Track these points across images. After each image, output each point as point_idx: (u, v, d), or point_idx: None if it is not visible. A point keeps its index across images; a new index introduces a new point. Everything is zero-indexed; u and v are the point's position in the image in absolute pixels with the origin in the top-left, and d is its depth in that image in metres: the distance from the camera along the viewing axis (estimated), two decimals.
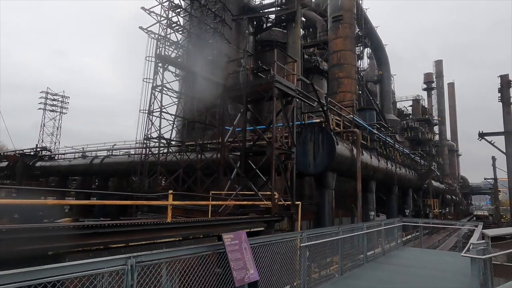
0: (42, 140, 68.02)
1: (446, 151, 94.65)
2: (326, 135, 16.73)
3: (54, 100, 70.92)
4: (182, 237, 6.94)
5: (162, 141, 21.09)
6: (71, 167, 36.40)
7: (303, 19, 54.68)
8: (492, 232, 5.96)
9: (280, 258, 6.20)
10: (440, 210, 43.48)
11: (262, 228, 9.47)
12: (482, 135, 22.47)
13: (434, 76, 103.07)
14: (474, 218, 60.93)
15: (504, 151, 22.15)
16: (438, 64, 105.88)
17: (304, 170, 17.38)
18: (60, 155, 43.09)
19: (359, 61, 51.36)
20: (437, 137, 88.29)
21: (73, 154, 40.31)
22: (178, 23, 21.59)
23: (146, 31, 20.28)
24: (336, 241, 7.87)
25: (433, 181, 44.65)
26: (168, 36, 20.66)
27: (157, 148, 23.99)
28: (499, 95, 22.37)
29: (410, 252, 11.54)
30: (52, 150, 49.46)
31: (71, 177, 40.64)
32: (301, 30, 35.11)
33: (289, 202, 11.21)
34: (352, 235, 8.21)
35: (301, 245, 6.17)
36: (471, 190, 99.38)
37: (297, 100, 11.69)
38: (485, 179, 39.50)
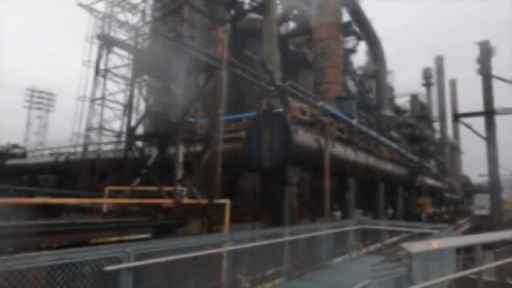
0: (28, 139, 66.77)
1: (448, 149, 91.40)
2: (281, 123, 14.29)
3: (40, 98, 69.46)
4: None
5: (109, 133, 18.86)
6: (39, 165, 34.26)
7: (295, 12, 52.15)
8: (416, 247, 3.53)
9: None
10: (435, 210, 40.60)
11: (147, 236, 7.08)
12: (456, 117, 19.73)
13: (433, 73, 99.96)
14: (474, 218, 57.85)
15: (484, 135, 19.32)
16: (439, 60, 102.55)
17: (259, 163, 14.96)
18: (30, 152, 40.95)
19: (353, 54, 49.27)
20: (438, 135, 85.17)
21: (42, 151, 38.13)
22: (127, 0, 19.28)
23: (87, 9, 17.99)
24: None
25: (428, 179, 41.79)
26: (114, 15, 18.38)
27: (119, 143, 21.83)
28: (478, 66, 19.52)
29: (360, 263, 9.10)
30: (26, 148, 47.32)
31: (41, 176, 38.47)
32: (276, 13, 32.49)
33: (206, 201, 8.82)
34: (237, 247, 5.70)
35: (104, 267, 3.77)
36: (473, 189, 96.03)
37: (221, 72, 9.34)
38: (480, 175, 36.64)
